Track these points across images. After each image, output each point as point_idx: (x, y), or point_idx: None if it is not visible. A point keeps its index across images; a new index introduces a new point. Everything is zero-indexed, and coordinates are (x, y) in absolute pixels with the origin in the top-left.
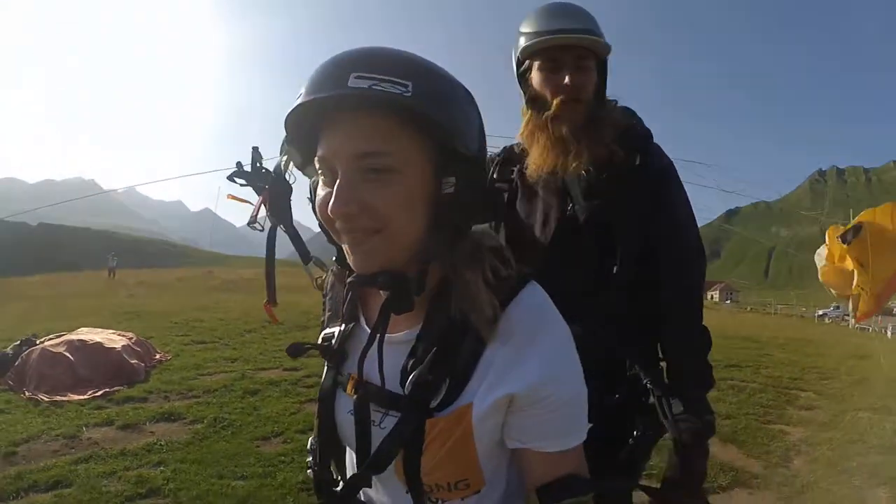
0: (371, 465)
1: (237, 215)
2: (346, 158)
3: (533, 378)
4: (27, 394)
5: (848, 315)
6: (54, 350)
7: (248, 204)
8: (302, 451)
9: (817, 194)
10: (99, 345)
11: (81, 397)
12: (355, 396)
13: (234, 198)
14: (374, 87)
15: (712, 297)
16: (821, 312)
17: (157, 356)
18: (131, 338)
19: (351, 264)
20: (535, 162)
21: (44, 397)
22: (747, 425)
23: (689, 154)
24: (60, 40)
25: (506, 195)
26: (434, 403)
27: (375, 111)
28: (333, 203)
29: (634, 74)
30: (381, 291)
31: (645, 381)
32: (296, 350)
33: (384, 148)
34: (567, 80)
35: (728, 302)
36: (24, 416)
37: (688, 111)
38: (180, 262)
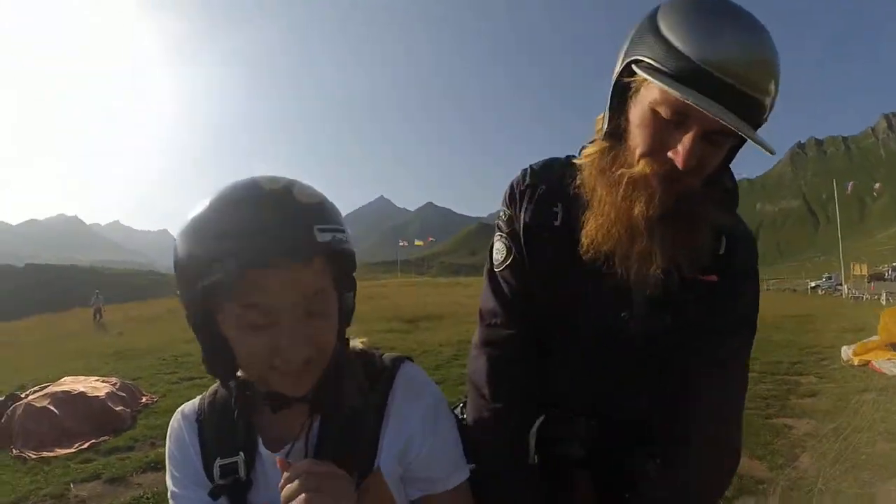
0: None
1: None
2: (294, 303)
3: (418, 424)
4: (14, 452)
5: (840, 285)
6: (38, 405)
7: None
8: None
9: (798, 167)
10: (83, 395)
11: (68, 451)
12: None
13: None
14: (335, 237)
15: None
16: (813, 284)
17: (143, 399)
18: (115, 383)
19: (279, 389)
20: (590, 236)
21: (31, 454)
22: (750, 422)
23: None
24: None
25: (550, 248)
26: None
27: (322, 257)
28: (290, 349)
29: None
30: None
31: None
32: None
33: (324, 286)
34: (682, 153)
35: None
36: (12, 476)
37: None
38: (170, 293)
